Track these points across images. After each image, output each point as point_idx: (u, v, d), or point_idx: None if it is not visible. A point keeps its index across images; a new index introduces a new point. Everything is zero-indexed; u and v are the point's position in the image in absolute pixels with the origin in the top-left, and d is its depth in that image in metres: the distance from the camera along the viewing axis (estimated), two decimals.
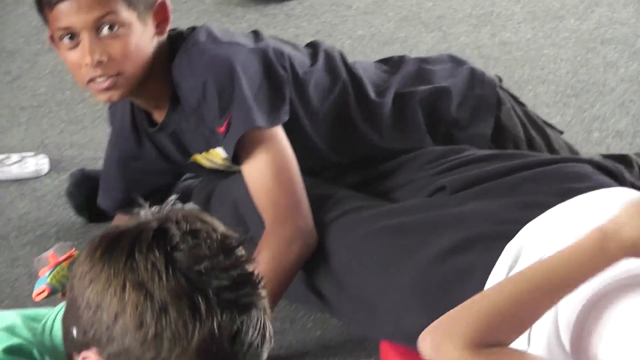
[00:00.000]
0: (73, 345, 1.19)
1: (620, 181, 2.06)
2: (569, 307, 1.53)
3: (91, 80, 1.90)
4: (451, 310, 1.29)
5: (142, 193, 1.77)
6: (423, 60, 2.31)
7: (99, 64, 1.94)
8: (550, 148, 2.30)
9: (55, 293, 2.08)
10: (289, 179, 1.96)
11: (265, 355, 1.14)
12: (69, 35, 1.88)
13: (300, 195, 1.91)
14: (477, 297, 1.35)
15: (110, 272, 1.11)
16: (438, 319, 1.27)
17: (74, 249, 2.26)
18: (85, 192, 2.42)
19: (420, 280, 1.70)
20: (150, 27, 2.00)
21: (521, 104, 2.39)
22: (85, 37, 1.93)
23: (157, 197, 2.01)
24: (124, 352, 1.12)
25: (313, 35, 3.28)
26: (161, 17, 2.03)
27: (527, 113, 2.35)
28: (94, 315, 1.12)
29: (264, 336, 1.13)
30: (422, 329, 1.31)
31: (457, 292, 1.54)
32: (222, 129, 1.95)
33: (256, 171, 1.96)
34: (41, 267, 2.63)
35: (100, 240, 1.13)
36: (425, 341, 1.26)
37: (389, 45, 3.28)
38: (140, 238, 1.12)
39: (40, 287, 2.23)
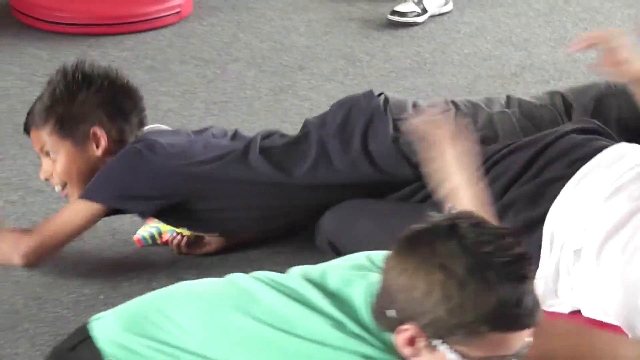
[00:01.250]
0: (389, 324, 1.44)
1: (602, 133, 2.47)
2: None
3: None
4: None
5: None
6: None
7: (47, 179, 2.61)
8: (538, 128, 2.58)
9: (145, 245, 2.72)
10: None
11: (539, 316, 1.40)
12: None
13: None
14: None
15: (418, 260, 1.37)
16: None
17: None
18: None
19: None
20: (91, 147, 2.53)
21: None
22: (42, 159, 2.62)
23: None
24: (435, 322, 1.36)
25: (430, 52, 3.91)
26: (97, 140, 2.58)
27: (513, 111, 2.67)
28: (408, 296, 1.36)
29: (536, 301, 1.37)
30: None
31: None
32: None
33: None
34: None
35: (404, 239, 1.42)
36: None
37: (487, 61, 3.75)
38: (438, 232, 1.38)
39: (136, 236, 2.79)
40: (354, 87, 3.62)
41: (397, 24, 3.93)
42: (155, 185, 2.50)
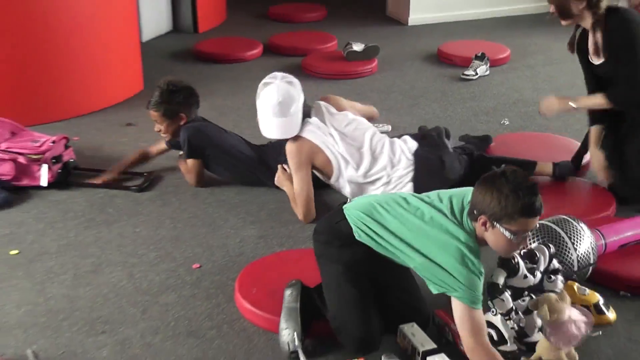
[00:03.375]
0: (473, 217, 2.58)
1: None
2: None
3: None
4: None
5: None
6: None
7: (158, 131, 4.23)
8: None
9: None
10: None
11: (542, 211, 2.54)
12: None
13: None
14: None
15: (488, 186, 2.53)
16: None
17: None
18: None
19: None
20: (178, 121, 4.24)
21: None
22: (155, 123, 4.24)
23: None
24: (495, 214, 2.50)
25: (478, 91, 5.81)
26: (181, 119, 4.26)
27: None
28: (483, 202, 2.51)
29: (541, 204, 2.54)
30: None
31: None
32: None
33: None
34: None
35: (482, 178, 2.59)
36: None
37: (503, 98, 5.68)
38: (497, 174, 2.53)
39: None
40: (449, 108, 5.47)
41: (465, 80, 6.00)
42: (200, 144, 4.17)
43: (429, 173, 3.68)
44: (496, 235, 2.56)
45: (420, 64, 6.24)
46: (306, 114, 3.84)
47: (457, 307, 2.51)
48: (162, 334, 3.03)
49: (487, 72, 6.08)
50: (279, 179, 3.91)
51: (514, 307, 2.87)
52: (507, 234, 2.52)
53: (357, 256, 2.74)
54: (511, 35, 6.99)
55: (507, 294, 2.86)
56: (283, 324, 2.79)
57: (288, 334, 2.77)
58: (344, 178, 3.73)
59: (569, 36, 3.94)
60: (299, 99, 3.79)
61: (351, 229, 2.72)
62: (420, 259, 2.61)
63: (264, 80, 3.81)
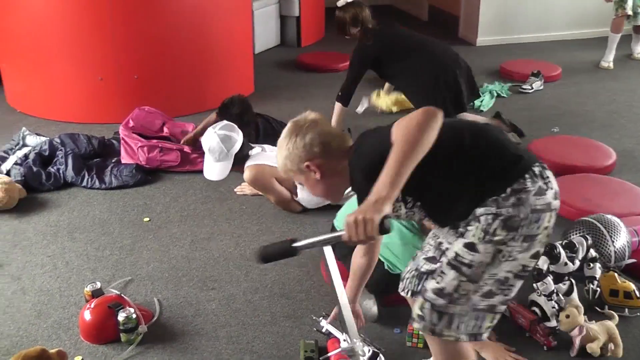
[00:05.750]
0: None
1: None
2: None
3: None
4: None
5: None
6: None
7: None
8: None
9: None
10: None
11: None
12: None
13: None
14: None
15: None
16: None
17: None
18: None
19: None
20: (250, 129, 3.91)
21: None
22: None
23: None
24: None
25: (532, 102, 5.64)
26: (253, 127, 4.02)
27: None
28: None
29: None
30: None
31: None
32: None
33: None
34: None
35: None
36: None
37: (550, 102, 5.73)
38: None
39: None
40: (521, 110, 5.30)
41: (522, 92, 5.90)
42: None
43: None
44: None
45: (485, 78, 6.11)
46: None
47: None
48: (261, 293, 3.05)
49: (541, 87, 5.97)
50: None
51: (555, 290, 2.79)
52: None
53: None
54: (562, 56, 6.86)
55: (550, 279, 2.80)
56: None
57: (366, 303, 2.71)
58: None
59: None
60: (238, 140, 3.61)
61: None
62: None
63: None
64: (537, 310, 2.80)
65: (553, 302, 2.80)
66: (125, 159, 4.23)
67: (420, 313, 1.87)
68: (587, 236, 2.85)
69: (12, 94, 5.44)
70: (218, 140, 3.45)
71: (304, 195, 3.53)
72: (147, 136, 4.33)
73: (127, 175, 4.07)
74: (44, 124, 4.97)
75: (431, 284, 1.85)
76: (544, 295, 2.80)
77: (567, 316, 2.61)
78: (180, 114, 5.07)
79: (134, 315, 2.72)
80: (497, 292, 1.83)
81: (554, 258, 2.78)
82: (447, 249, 1.85)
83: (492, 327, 1.89)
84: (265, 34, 7.08)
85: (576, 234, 3.05)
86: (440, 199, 1.82)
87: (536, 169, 1.79)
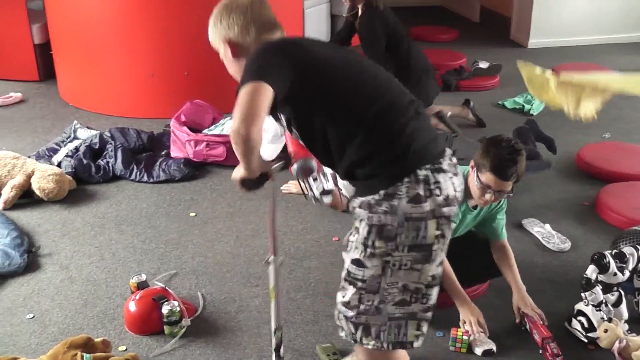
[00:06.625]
0: (469, 162, 2.58)
1: None
2: None
3: None
4: None
5: None
6: None
7: None
8: None
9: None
10: None
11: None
12: None
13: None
14: None
15: (485, 142, 2.64)
16: None
17: None
18: None
19: None
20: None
21: None
22: None
23: None
24: (476, 161, 2.59)
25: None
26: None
27: None
28: (478, 151, 2.59)
29: (510, 177, 2.55)
30: None
31: None
32: None
33: None
34: None
35: (486, 140, 2.76)
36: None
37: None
38: (501, 137, 2.61)
39: None
40: None
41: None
42: None
43: None
44: (472, 178, 2.58)
45: None
46: None
47: None
48: (304, 291, 3.06)
49: None
50: None
51: (604, 300, 2.73)
52: (476, 180, 2.54)
53: None
54: (616, 60, 6.67)
55: (599, 288, 2.74)
56: None
57: None
58: None
59: None
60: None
61: None
62: None
63: None
64: (583, 320, 2.71)
65: (602, 312, 2.73)
66: (174, 152, 4.27)
67: (338, 323, 1.91)
68: (638, 246, 2.75)
69: (65, 88, 5.52)
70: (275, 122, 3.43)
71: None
72: (198, 130, 4.34)
73: (175, 169, 4.12)
74: (95, 117, 5.04)
75: (339, 297, 1.87)
76: (592, 305, 2.74)
77: (605, 330, 2.56)
78: (229, 111, 5.04)
79: (178, 309, 2.73)
80: (413, 300, 1.81)
81: (603, 267, 2.72)
82: (344, 259, 1.85)
83: (423, 335, 1.86)
84: (316, 32, 6.95)
85: (626, 243, 2.97)
86: (317, 136, 1.82)
87: (421, 173, 1.71)
